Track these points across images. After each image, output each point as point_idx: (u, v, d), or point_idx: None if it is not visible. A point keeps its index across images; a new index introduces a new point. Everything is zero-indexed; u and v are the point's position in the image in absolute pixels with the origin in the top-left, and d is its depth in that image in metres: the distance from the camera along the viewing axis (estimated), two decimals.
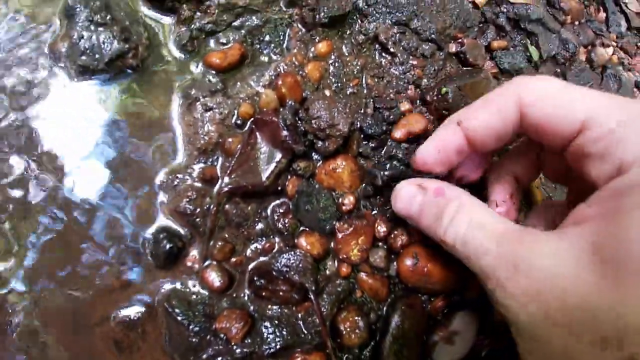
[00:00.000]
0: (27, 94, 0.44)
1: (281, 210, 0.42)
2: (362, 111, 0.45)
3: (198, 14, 0.47)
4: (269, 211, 0.43)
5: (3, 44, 0.45)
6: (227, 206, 0.42)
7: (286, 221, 0.42)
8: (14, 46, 0.46)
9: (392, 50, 0.49)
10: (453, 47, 0.52)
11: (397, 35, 0.49)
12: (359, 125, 0.45)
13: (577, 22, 0.70)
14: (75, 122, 0.44)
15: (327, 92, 0.46)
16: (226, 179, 0.42)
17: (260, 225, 0.42)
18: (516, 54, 0.57)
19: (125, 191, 0.43)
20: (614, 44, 0.75)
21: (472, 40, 0.54)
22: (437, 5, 0.52)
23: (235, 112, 0.44)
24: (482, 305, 0.47)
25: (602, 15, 0.76)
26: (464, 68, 0.53)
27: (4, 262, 0.41)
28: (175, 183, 0.42)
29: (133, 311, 0.41)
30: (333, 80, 0.46)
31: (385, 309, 0.44)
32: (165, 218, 0.42)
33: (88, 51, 0.45)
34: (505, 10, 0.59)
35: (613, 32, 0.76)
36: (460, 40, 0.53)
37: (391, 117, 0.46)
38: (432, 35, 0.51)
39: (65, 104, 0.45)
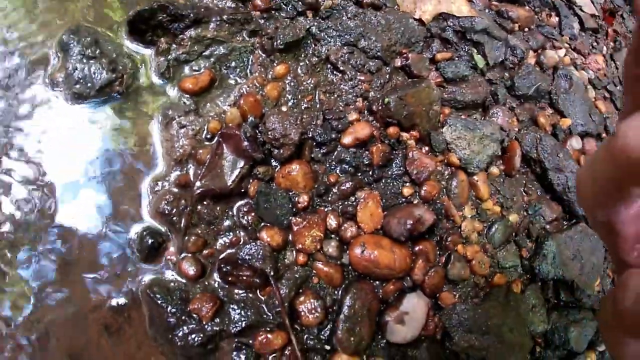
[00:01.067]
0: (28, 116, 0.59)
1: (245, 209, 0.56)
2: (314, 122, 0.59)
3: (174, 45, 0.63)
4: (234, 210, 0.57)
5: (8, 73, 0.61)
6: (199, 207, 0.56)
7: (249, 218, 0.56)
8: (19, 79, 0.62)
9: (341, 68, 0.64)
10: (398, 62, 0.67)
11: (347, 55, 0.64)
12: (310, 135, 0.59)
13: (526, 29, 0.84)
14: (70, 139, 0.59)
15: (284, 108, 0.61)
16: (198, 184, 0.56)
17: (227, 222, 0.56)
18: (460, 63, 0.71)
19: (113, 196, 0.57)
20: (567, 45, 0.89)
21: (416, 54, 0.69)
22: (383, 26, 0.67)
23: (206, 128, 0.59)
24: (432, 289, 0.59)
25: (555, 19, 0.90)
26: (410, 80, 0.67)
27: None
28: (156, 188, 0.57)
29: (120, 299, 0.55)
30: (289, 97, 0.61)
31: (339, 293, 0.56)
32: (148, 218, 0.56)
33: (81, 80, 0.61)
34: (451, 24, 0.74)
35: (566, 35, 0.90)
36: (405, 55, 0.68)
37: (340, 126, 0.60)
38: (378, 53, 0.66)
39: (61, 125, 0.60)
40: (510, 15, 0.82)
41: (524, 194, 0.75)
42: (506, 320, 0.63)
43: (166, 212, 0.56)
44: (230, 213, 0.57)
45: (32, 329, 0.55)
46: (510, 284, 0.69)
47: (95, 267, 0.56)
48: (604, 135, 0.88)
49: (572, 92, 0.83)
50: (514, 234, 0.71)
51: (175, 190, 0.57)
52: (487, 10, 0.81)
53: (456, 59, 0.73)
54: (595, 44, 0.96)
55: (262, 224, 0.57)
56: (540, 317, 0.70)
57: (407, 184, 0.62)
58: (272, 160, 0.58)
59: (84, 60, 0.62)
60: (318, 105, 0.62)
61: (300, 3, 0.67)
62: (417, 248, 0.60)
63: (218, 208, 0.57)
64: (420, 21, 0.73)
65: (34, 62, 0.64)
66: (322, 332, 0.56)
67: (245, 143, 0.56)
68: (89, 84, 0.61)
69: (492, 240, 0.68)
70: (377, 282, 0.59)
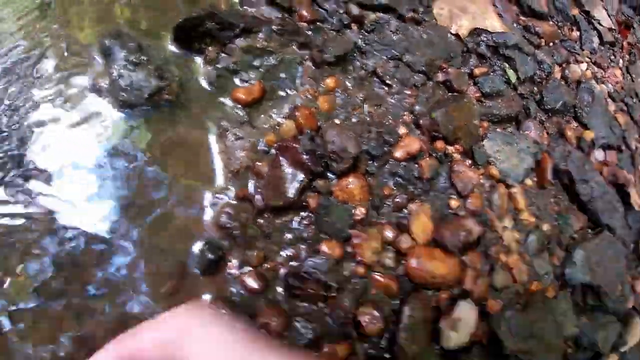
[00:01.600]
0: (77, 125, 0.64)
1: (305, 222, 0.64)
2: (366, 136, 0.67)
3: (222, 55, 0.69)
4: (294, 223, 0.64)
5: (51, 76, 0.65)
6: (259, 220, 0.63)
7: (309, 231, 0.63)
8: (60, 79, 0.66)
9: (388, 82, 0.72)
10: (440, 77, 0.77)
11: (392, 68, 0.73)
12: (364, 148, 0.67)
13: (551, 43, 0.97)
14: (119, 150, 0.64)
15: (337, 121, 0.68)
16: (258, 197, 0.63)
17: (288, 235, 0.63)
18: (495, 78, 0.82)
19: (170, 209, 0.62)
20: (588, 59, 1.03)
21: (456, 69, 0.79)
22: (425, 41, 0.77)
23: (262, 140, 0.65)
24: (479, 296, 0.69)
25: (576, 34, 1.04)
26: (450, 94, 0.77)
27: None
28: (215, 202, 0.63)
29: None
30: (341, 110, 0.69)
31: (397, 302, 0.65)
32: (207, 232, 0.62)
33: (128, 88, 0.66)
34: (485, 39, 0.85)
35: (586, 49, 1.04)
36: (445, 70, 0.77)
37: (391, 139, 0.68)
38: (422, 67, 0.75)
39: (110, 133, 0.64)
40: (537, 30, 0.95)
41: (554, 204, 0.86)
42: (545, 324, 0.74)
43: (226, 225, 0.62)
44: (291, 226, 0.64)
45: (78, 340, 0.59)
46: (545, 290, 0.80)
47: (155, 282, 0.61)
48: (623, 147, 1.03)
49: (594, 106, 0.97)
50: (547, 242, 0.83)
51: (235, 203, 0.63)
52: (515, 25, 0.93)
53: (491, 73, 0.84)
54: (612, 57, 1.12)
55: (322, 236, 0.64)
56: (571, 320, 0.82)
57: (454, 197, 0.72)
58: (328, 173, 0.66)
59: (130, 67, 0.67)
60: (368, 119, 0.71)
61: (345, 15, 0.75)
62: (465, 258, 0.70)
63: (278, 221, 0.64)
64: (457, 36, 0.83)
65: (75, 66, 0.68)
66: (382, 341, 0.64)
67: (304, 156, 0.63)
68: (136, 92, 0.66)
69: (529, 249, 0.79)
70: (431, 291, 0.68)
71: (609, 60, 1.09)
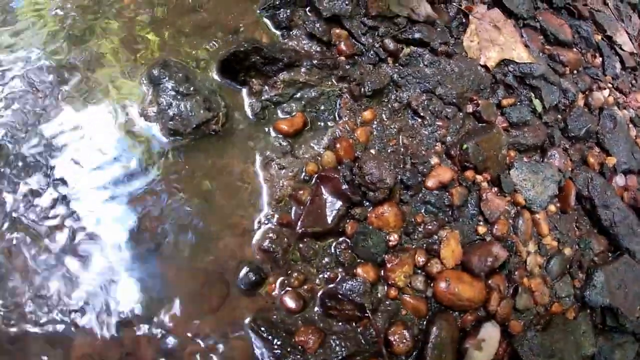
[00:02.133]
0: (124, 151, 0.68)
1: (342, 247, 0.68)
2: (401, 166, 0.71)
3: (266, 87, 0.73)
4: (332, 248, 0.68)
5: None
6: (300, 245, 0.67)
7: (346, 255, 0.67)
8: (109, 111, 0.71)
9: (421, 114, 0.76)
10: (470, 108, 0.80)
11: (425, 101, 0.76)
12: (399, 178, 0.70)
13: (575, 71, 0.99)
14: (167, 176, 0.68)
15: (373, 152, 0.72)
16: (299, 223, 0.67)
17: (326, 259, 0.67)
18: (522, 108, 0.84)
19: (216, 232, 0.67)
20: (610, 85, 1.05)
21: (485, 100, 0.81)
22: (456, 74, 0.80)
23: (303, 169, 0.69)
24: (503, 317, 0.72)
25: (599, 60, 1.05)
26: (480, 125, 0.80)
27: None
28: (259, 227, 0.67)
29: (224, 332, 0.65)
30: (377, 141, 0.72)
31: (425, 323, 0.68)
32: (251, 254, 0.66)
33: (176, 117, 0.70)
34: (512, 69, 0.87)
35: (609, 74, 1.05)
36: (475, 101, 0.80)
37: (424, 170, 0.72)
38: (453, 99, 0.78)
39: (159, 160, 0.69)
40: (562, 59, 0.96)
41: (575, 229, 0.88)
42: (565, 345, 0.77)
43: (270, 249, 0.66)
44: (329, 251, 0.68)
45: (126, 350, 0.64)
46: (565, 311, 0.83)
47: (199, 301, 0.66)
48: None
49: (617, 132, 0.98)
50: (568, 266, 0.85)
51: (277, 228, 0.67)
52: (540, 54, 0.95)
53: (518, 103, 0.86)
54: (634, 81, 1.12)
55: (358, 260, 0.68)
56: (589, 341, 0.84)
57: (481, 223, 0.75)
58: (365, 202, 0.70)
59: (178, 97, 0.71)
60: (402, 150, 0.74)
61: (382, 50, 0.78)
62: (490, 281, 0.73)
63: (317, 246, 0.68)
64: (486, 67, 0.86)
65: (125, 94, 0.73)
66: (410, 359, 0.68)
67: (344, 186, 0.67)
68: (185, 121, 0.70)
69: (551, 273, 0.82)
70: (457, 313, 0.71)
71: (631, 85, 1.09)
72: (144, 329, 0.64)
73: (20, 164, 0.67)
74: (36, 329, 0.61)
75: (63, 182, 0.66)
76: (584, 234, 0.88)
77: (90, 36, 0.76)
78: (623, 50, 1.11)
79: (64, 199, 0.64)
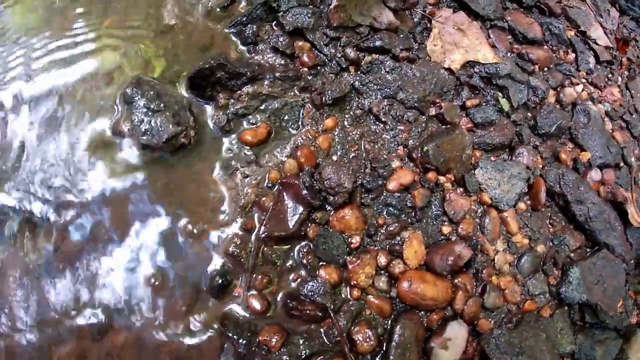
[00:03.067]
0: (95, 166, 0.71)
1: (305, 250, 0.68)
2: (362, 170, 0.71)
3: (232, 100, 0.75)
4: (295, 251, 0.68)
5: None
6: (264, 248, 0.68)
7: (309, 258, 0.68)
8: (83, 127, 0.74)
9: (383, 119, 0.76)
10: (433, 111, 0.79)
11: (387, 106, 0.76)
12: (360, 182, 0.70)
13: (546, 68, 0.97)
14: (140, 188, 0.71)
15: (335, 158, 0.72)
16: (262, 228, 0.68)
17: (289, 262, 0.68)
18: (487, 108, 0.83)
19: (186, 240, 0.68)
20: (584, 80, 1.02)
21: (448, 103, 0.81)
22: (418, 78, 0.80)
23: (267, 177, 0.70)
24: (470, 316, 0.70)
25: (572, 56, 1.03)
26: (443, 127, 0.79)
27: None
28: (225, 233, 0.68)
29: (192, 332, 0.66)
30: (339, 147, 0.73)
31: (389, 322, 0.68)
32: (218, 259, 0.67)
33: (148, 132, 0.72)
34: (477, 71, 0.86)
35: (583, 70, 1.03)
36: (438, 104, 0.79)
37: (385, 173, 0.72)
38: (415, 104, 0.78)
39: (130, 174, 0.71)
40: (531, 57, 0.95)
41: (549, 225, 0.86)
42: (537, 342, 0.75)
43: (235, 254, 0.67)
44: (291, 254, 0.69)
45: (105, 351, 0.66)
46: (540, 309, 0.80)
47: (169, 303, 0.67)
48: (622, 164, 1.00)
49: (591, 126, 0.95)
50: (542, 263, 0.83)
51: (242, 233, 0.69)
52: (509, 54, 0.93)
53: (484, 104, 0.85)
54: (610, 75, 1.09)
55: (320, 263, 0.68)
56: (567, 338, 0.81)
57: (446, 223, 0.74)
58: (326, 206, 0.70)
59: (150, 113, 0.74)
60: (364, 154, 0.74)
61: (343, 59, 0.79)
62: (456, 280, 0.72)
63: (280, 249, 0.69)
64: (450, 70, 0.85)
65: (98, 112, 0.75)
66: (375, 358, 0.68)
67: (305, 191, 0.68)
68: (156, 136, 0.73)
69: (522, 270, 0.80)
70: (422, 312, 0.70)
71: (607, 79, 1.06)
72: (120, 331, 0.66)
73: None
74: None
75: (38, 196, 0.69)
76: (558, 230, 0.86)
77: None
78: (598, 44, 1.08)
79: (41, 212, 0.68)
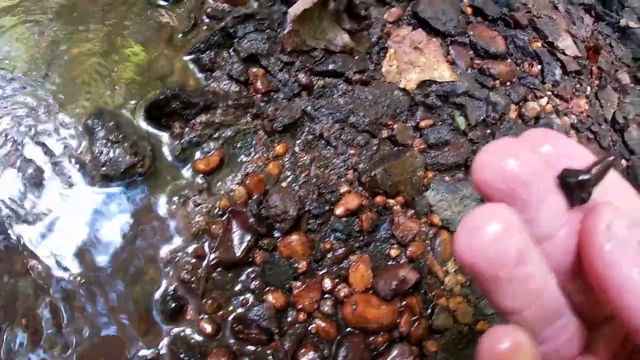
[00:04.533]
0: (56, 197, 0.72)
1: (252, 275, 0.68)
2: (310, 197, 0.70)
3: (187, 129, 0.74)
4: (243, 276, 0.68)
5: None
6: (213, 274, 0.68)
7: (256, 283, 0.67)
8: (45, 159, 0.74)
9: (334, 144, 0.74)
10: (385, 133, 0.77)
11: (338, 131, 0.75)
12: (307, 208, 0.69)
13: (508, 83, 0.92)
14: (97, 218, 0.71)
15: (284, 184, 0.71)
16: (212, 255, 0.68)
17: (238, 287, 0.68)
18: (442, 128, 0.80)
19: (140, 267, 0.69)
20: (549, 93, 0.97)
21: (401, 124, 0.78)
22: (370, 101, 0.77)
23: (217, 205, 0.70)
24: (417, 338, 0.69)
25: (536, 69, 0.98)
26: (396, 148, 0.77)
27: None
28: (177, 259, 0.68)
29: (146, 355, 0.67)
30: (288, 174, 0.72)
31: (335, 345, 0.67)
32: (171, 285, 0.68)
33: (107, 163, 0.73)
34: (434, 89, 0.83)
35: (548, 82, 0.98)
36: (391, 126, 0.77)
37: (332, 198, 0.70)
38: (367, 127, 0.76)
39: (90, 204, 0.72)
40: (492, 72, 0.91)
41: None
42: None
43: (186, 279, 0.68)
44: (240, 279, 0.68)
45: None
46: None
47: (129, 328, 0.68)
48: None
49: None
50: None
51: (193, 260, 0.69)
52: (469, 70, 0.90)
53: (439, 124, 0.82)
54: (578, 85, 1.03)
55: (268, 287, 0.68)
56: None
57: (395, 246, 0.72)
58: (274, 232, 0.69)
59: (109, 145, 0.74)
60: (314, 180, 0.73)
61: (296, 84, 0.77)
62: (403, 303, 0.70)
63: (230, 275, 0.68)
64: (405, 90, 0.82)
65: (61, 142, 0.76)
66: None
67: (252, 219, 0.67)
68: (115, 167, 0.73)
69: (475, 291, 0.78)
70: (368, 335, 0.69)
71: (574, 90, 1.01)
72: (84, 355, 0.68)
73: None
74: None
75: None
76: None
77: None
78: (566, 54, 1.03)
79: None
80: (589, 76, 1.06)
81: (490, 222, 0.22)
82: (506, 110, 0.88)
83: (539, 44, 1.00)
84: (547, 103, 0.95)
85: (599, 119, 1.03)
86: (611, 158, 0.26)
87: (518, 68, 0.96)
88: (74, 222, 0.72)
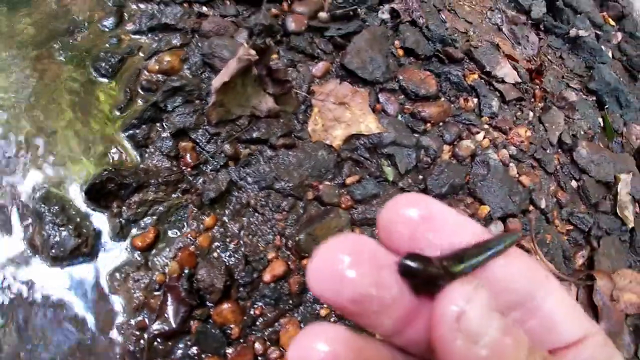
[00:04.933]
0: (11, 282, 0.79)
1: (189, 344, 0.73)
2: (238, 267, 0.74)
3: (124, 208, 0.79)
4: (182, 345, 0.74)
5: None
6: (155, 344, 0.74)
7: (193, 350, 0.73)
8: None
9: (260, 211, 0.78)
10: (310, 195, 0.80)
11: (264, 198, 0.78)
12: (236, 277, 0.74)
13: (441, 123, 0.93)
14: (49, 298, 0.78)
15: (215, 254, 0.76)
16: (152, 327, 0.74)
17: (178, 354, 0.73)
18: (368, 183, 0.83)
19: (89, 340, 0.75)
20: (487, 126, 0.97)
21: (328, 183, 0.81)
22: (294, 164, 0.80)
23: (154, 279, 0.75)
24: None
25: (472, 103, 0.98)
26: (323, 208, 0.80)
27: None
28: (123, 332, 0.75)
29: None
30: (218, 244, 0.76)
31: None
32: (117, 356, 0.74)
33: (55, 245, 0.79)
34: (362, 143, 0.85)
35: (485, 115, 0.98)
36: (316, 187, 0.80)
37: (260, 266, 0.74)
38: (291, 191, 0.79)
39: (43, 285, 0.78)
40: (423, 115, 0.92)
41: None
42: None
43: (132, 350, 0.74)
44: (179, 347, 0.74)
45: None
46: None
47: None
48: (531, 208, 0.97)
49: (490, 178, 0.92)
50: None
51: (137, 332, 0.75)
52: (399, 117, 0.91)
53: (366, 177, 0.84)
54: (519, 113, 1.03)
55: (205, 354, 0.74)
56: None
57: (324, 306, 0.76)
58: (207, 302, 0.75)
59: (56, 228, 0.80)
60: (243, 248, 0.77)
61: (222, 155, 0.81)
62: None
63: (170, 344, 0.74)
64: (332, 147, 0.85)
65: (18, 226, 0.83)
66: None
67: (183, 293, 0.73)
68: (62, 248, 0.79)
69: None
70: None
71: (514, 119, 1.00)
72: None
73: None
74: None
75: None
76: None
77: None
78: (505, 82, 1.02)
79: None
80: (532, 100, 1.05)
81: (322, 350, 0.19)
82: (439, 153, 0.90)
83: (476, 76, 1.00)
84: (484, 138, 0.95)
85: (543, 144, 1.03)
86: (515, 236, 0.22)
87: (452, 105, 0.96)
88: (24, 302, 0.79)
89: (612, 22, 1.38)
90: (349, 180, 0.83)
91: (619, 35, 1.32)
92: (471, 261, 0.20)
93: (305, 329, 0.20)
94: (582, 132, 1.10)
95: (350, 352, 0.19)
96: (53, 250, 0.79)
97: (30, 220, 0.83)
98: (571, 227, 1.01)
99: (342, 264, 0.19)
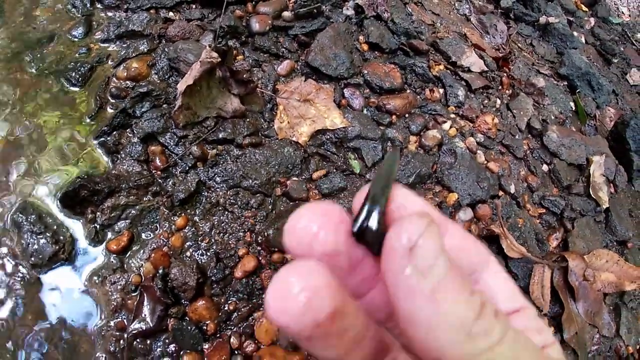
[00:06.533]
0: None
1: (167, 341, 0.77)
2: (210, 265, 0.78)
3: (98, 214, 0.83)
4: (160, 343, 0.78)
5: None
6: (134, 343, 0.78)
7: (172, 347, 0.77)
8: None
9: (230, 209, 0.81)
10: (279, 191, 0.84)
11: (232, 196, 0.82)
12: (209, 274, 0.78)
13: (406, 115, 0.96)
14: (31, 304, 0.82)
15: (188, 253, 0.79)
16: (131, 326, 0.78)
17: (158, 352, 0.77)
18: (334, 177, 0.86)
19: (77, 339, 0.80)
20: (453, 115, 1.01)
21: (295, 179, 0.85)
22: (261, 162, 0.84)
23: (130, 281, 0.79)
24: None
25: (438, 93, 1.01)
26: (292, 203, 0.84)
27: None
28: (104, 332, 0.79)
29: None
30: (190, 244, 0.80)
31: None
32: (99, 357, 0.78)
33: (34, 253, 0.83)
34: (328, 138, 0.89)
35: (452, 104, 1.02)
36: (284, 183, 0.84)
37: (231, 263, 0.78)
38: (260, 188, 0.83)
39: (26, 290, 0.82)
40: (388, 108, 0.95)
41: None
42: None
43: (112, 351, 0.78)
44: (158, 345, 0.78)
45: None
46: None
47: None
48: (501, 193, 1.00)
49: (457, 165, 0.96)
50: None
51: (117, 333, 0.79)
52: (365, 111, 0.94)
53: (333, 171, 0.88)
54: (486, 101, 1.06)
55: (182, 351, 0.78)
56: None
57: None
58: (182, 300, 0.78)
59: (34, 236, 0.84)
60: (214, 246, 0.81)
61: (190, 156, 0.85)
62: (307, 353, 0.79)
63: (148, 342, 0.78)
64: (298, 144, 0.88)
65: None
66: None
67: (158, 293, 0.77)
68: (41, 256, 0.83)
69: None
70: None
71: (481, 107, 1.04)
72: None
73: None
74: None
75: None
76: None
77: None
78: (471, 71, 1.05)
79: None
80: (500, 88, 1.09)
81: (303, 283, 0.20)
82: (405, 144, 0.93)
83: (441, 67, 1.03)
84: (451, 127, 0.99)
85: (511, 130, 1.06)
86: (394, 154, 0.25)
87: (418, 97, 1.00)
88: (9, 310, 0.83)
89: (585, 8, 1.41)
90: (315, 175, 0.86)
91: (592, 20, 1.35)
92: (385, 192, 0.23)
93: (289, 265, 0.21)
94: (552, 117, 1.13)
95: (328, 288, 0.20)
96: (32, 258, 0.83)
97: (10, 231, 0.87)
98: (543, 211, 1.04)
99: (314, 225, 0.22)
